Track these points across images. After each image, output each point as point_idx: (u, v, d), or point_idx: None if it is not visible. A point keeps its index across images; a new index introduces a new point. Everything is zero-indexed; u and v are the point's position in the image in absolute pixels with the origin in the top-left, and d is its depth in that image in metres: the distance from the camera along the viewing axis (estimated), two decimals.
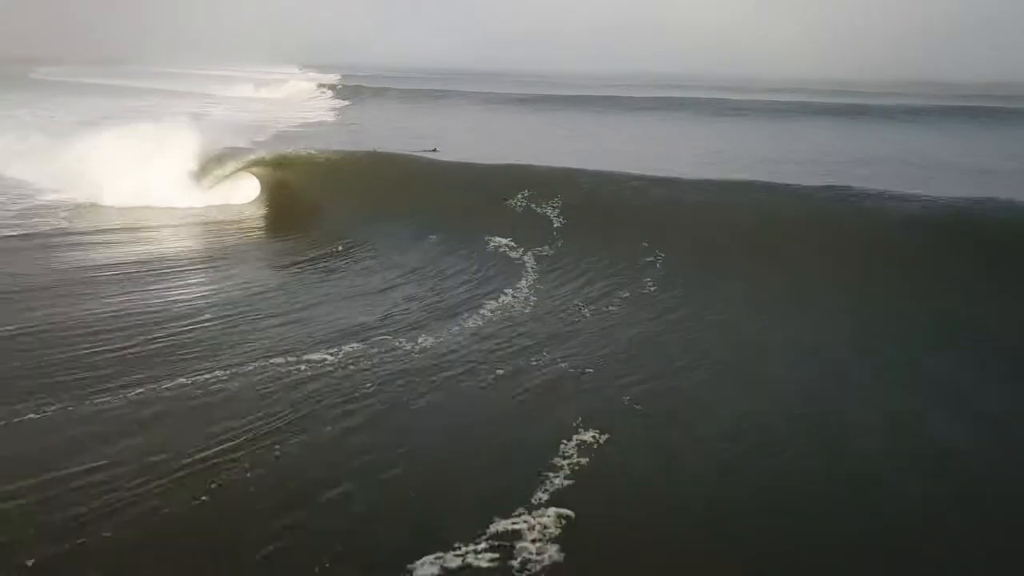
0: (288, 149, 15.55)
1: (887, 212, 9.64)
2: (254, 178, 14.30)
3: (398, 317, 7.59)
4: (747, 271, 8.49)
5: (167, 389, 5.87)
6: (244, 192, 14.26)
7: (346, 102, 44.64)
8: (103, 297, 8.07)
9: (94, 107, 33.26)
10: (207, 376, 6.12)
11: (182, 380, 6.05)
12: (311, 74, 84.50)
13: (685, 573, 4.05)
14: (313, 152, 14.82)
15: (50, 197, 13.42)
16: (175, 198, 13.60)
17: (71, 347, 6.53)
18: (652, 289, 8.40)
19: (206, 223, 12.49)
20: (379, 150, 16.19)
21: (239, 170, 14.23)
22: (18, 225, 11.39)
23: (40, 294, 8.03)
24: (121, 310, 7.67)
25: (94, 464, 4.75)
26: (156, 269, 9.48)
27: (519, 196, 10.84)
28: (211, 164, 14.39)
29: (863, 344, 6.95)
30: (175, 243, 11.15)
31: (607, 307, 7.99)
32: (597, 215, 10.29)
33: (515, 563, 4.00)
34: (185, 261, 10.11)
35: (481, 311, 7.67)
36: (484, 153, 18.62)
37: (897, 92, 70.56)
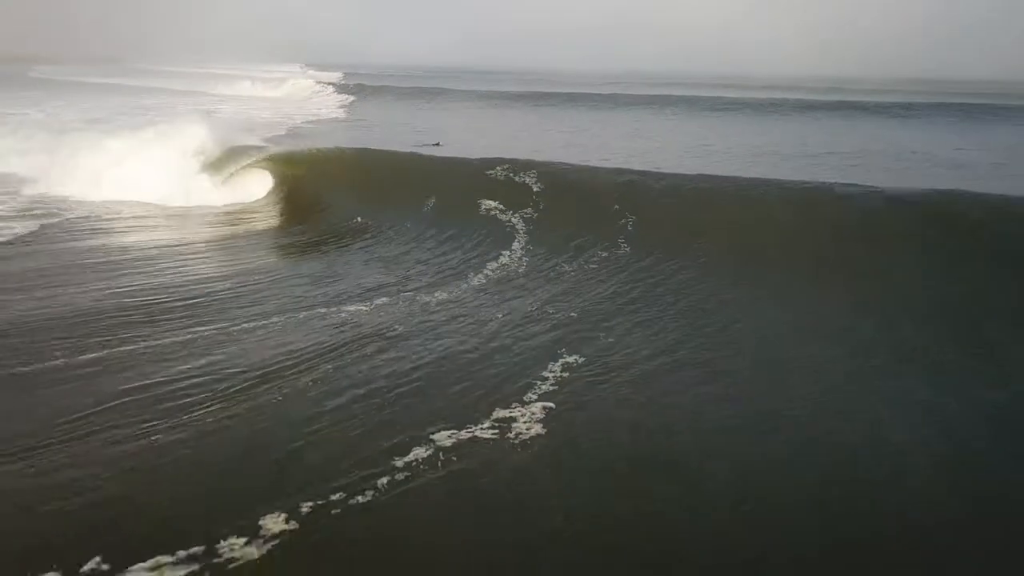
0: (300, 146, 17.02)
1: (840, 198, 11.04)
2: (268, 173, 15.56)
3: (415, 278, 9.15)
4: (703, 240, 9.95)
5: (235, 328, 7.39)
6: (260, 186, 15.54)
7: (351, 100, 46.07)
8: (168, 268, 9.61)
9: (103, 106, 34.67)
10: (265, 321, 7.65)
11: (245, 325, 7.57)
12: (313, 73, 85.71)
13: (633, 444, 5.56)
14: (321, 148, 16.21)
15: (80, 195, 14.30)
16: (200, 194, 14.64)
17: (164, 298, 8.10)
18: (626, 249, 9.95)
19: (230, 214, 13.95)
20: (385, 147, 17.62)
21: (255, 165, 15.52)
22: (72, 213, 12.91)
23: (123, 265, 9.59)
24: (183, 275, 9.20)
25: (193, 372, 6.29)
26: (200, 249, 11.02)
27: (499, 169, 12.31)
28: (228, 160, 15.63)
29: (794, 301, 8.45)
30: (210, 230, 12.62)
31: (587, 264, 9.55)
32: (573, 195, 11.76)
33: (510, 435, 5.51)
34: (221, 242, 11.62)
35: (484, 270, 9.24)
36: (483, 146, 20.08)
37: (892, 89, 72.29)
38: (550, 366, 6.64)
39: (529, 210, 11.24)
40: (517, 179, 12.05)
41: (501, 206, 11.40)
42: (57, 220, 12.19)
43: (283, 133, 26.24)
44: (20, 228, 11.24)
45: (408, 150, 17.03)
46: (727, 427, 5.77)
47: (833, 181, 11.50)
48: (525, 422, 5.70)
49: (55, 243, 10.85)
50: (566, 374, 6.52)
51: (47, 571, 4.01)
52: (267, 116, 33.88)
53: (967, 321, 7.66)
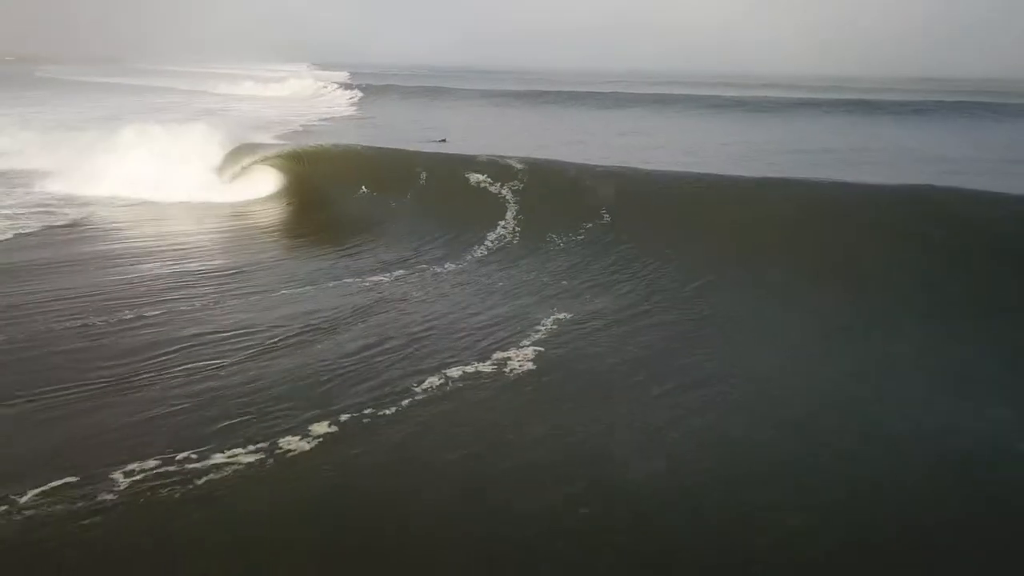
0: (313, 142, 18.21)
1: (813, 193, 12.20)
2: (284, 169, 16.45)
3: (426, 251, 10.51)
4: (680, 227, 11.21)
5: (275, 294, 8.75)
6: (277, 179, 16.48)
7: (357, 99, 47.41)
8: (209, 250, 10.99)
9: (115, 105, 36.02)
10: (300, 288, 9.01)
11: (284, 291, 8.92)
12: (317, 72, 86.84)
13: (607, 377, 6.87)
14: (328, 145, 17.37)
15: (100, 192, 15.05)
16: (221, 188, 15.55)
17: (211, 272, 9.48)
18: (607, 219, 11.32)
19: (250, 205, 15.19)
20: (395, 142, 18.93)
21: (270, 161, 16.40)
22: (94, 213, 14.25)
23: (172, 248, 10.95)
24: (224, 256, 10.57)
25: (244, 325, 7.63)
26: (232, 235, 12.38)
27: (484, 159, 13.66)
28: (242, 156, 16.59)
29: (754, 267, 9.75)
30: (239, 220, 13.87)
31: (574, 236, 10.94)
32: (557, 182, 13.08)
33: (506, 370, 6.85)
34: (251, 229, 12.95)
35: (485, 243, 10.64)
36: (485, 143, 21.41)
37: (890, 88, 73.58)
38: (542, 320, 7.98)
39: (518, 191, 12.50)
40: (511, 172, 13.35)
41: (496, 191, 12.71)
42: (104, 211, 13.52)
43: (298, 130, 27.59)
44: (74, 213, 12.62)
45: (415, 145, 18.32)
46: (681, 364, 7.09)
47: (804, 176, 12.85)
48: (519, 361, 7.03)
49: (106, 229, 12.22)
50: (555, 327, 7.85)
51: (152, 459, 5.34)
52: (277, 114, 35.24)
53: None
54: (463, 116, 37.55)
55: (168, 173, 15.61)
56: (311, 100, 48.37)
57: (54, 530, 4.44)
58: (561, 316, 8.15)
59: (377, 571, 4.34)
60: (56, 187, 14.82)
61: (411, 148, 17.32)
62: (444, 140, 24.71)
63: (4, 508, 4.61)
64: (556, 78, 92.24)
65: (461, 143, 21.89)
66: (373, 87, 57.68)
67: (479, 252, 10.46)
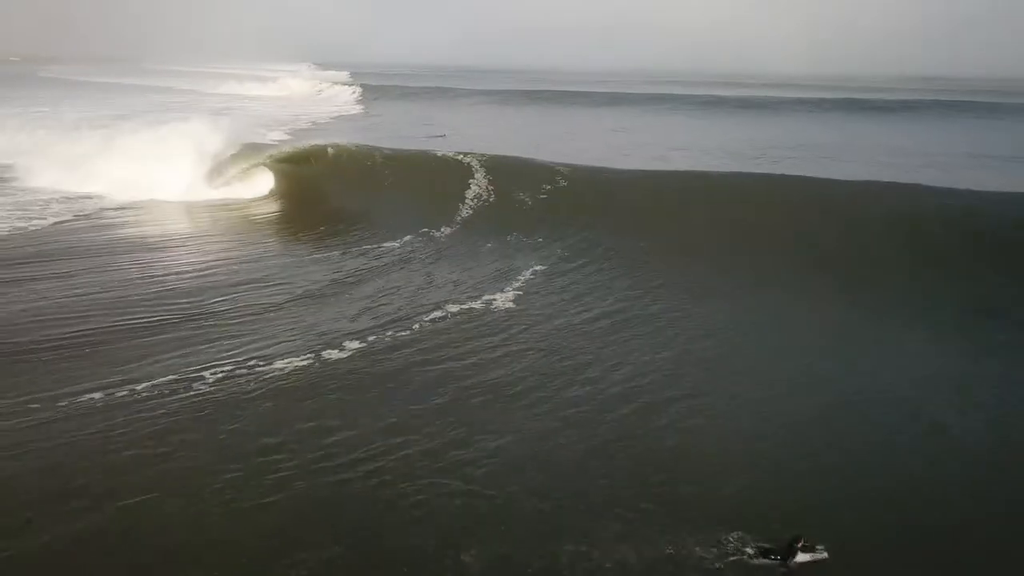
0: (326, 142, 20.06)
1: (757, 185, 14.08)
2: (297, 166, 17.81)
3: (425, 222, 12.57)
4: (637, 213, 13.17)
5: (308, 256, 10.80)
6: (268, 182, 17.79)
7: (361, 97, 49.38)
8: (239, 242, 13.02)
9: (128, 105, 37.76)
10: (328, 253, 11.04)
11: (316, 256, 10.95)
12: (321, 72, 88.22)
13: (569, 311, 8.90)
14: (347, 144, 19.19)
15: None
16: (231, 183, 16.75)
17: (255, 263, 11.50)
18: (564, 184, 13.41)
19: (266, 197, 17.14)
20: (398, 137, 20.85)
21: (286, 158, 17.73)
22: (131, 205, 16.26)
23: (197, 242, 12.97)
24: (232, 242, 12.62)
25: (281, 281, 9.70)
26: (265, 217, 14.39)
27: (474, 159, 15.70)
28: (256, 156, 18.12)
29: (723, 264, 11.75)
30: (262, 206, 15.83)
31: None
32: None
33: (492, 307, 8.91)
34: (278, 211, 14.96)
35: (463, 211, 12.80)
36: (481, 136, 23.42)
37: (883, 87, 75.54)
38: (521, 273, 10.05)
39: (486, 186, 14.46)
40: (493, 170, 15.38)
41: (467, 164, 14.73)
42: (145, 200, 15.44)
43: (307, 127, 29.61)
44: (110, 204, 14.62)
45: (417, 141, 20.37)
46: (621, 296, 9.14)
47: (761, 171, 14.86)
48: (502, 300, 9.10)
49: (154, 215, 14.28)
50: (532, 277, 9.91)
51: (228, 364, 7.36)
52: (288, 113, 37.23)
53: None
54: (462, 114, 39.61)
55: (177, 171, 16.29)
56: (317, 99, 50.22)
57: (166, 409, 6.42)
58: (537, 267, 10.24)
59: (397, 419, 6.39)
60: (112, 181, 15.91)
61: (412, 144, 19.34)
62: (444, 135, 26.72)
63: (126, 392, 6.64)
64: (555, 77, 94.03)
65: (459, 138, 23.94)
66: (376, 86, 59.47)
67: (464, 214, 12.68)
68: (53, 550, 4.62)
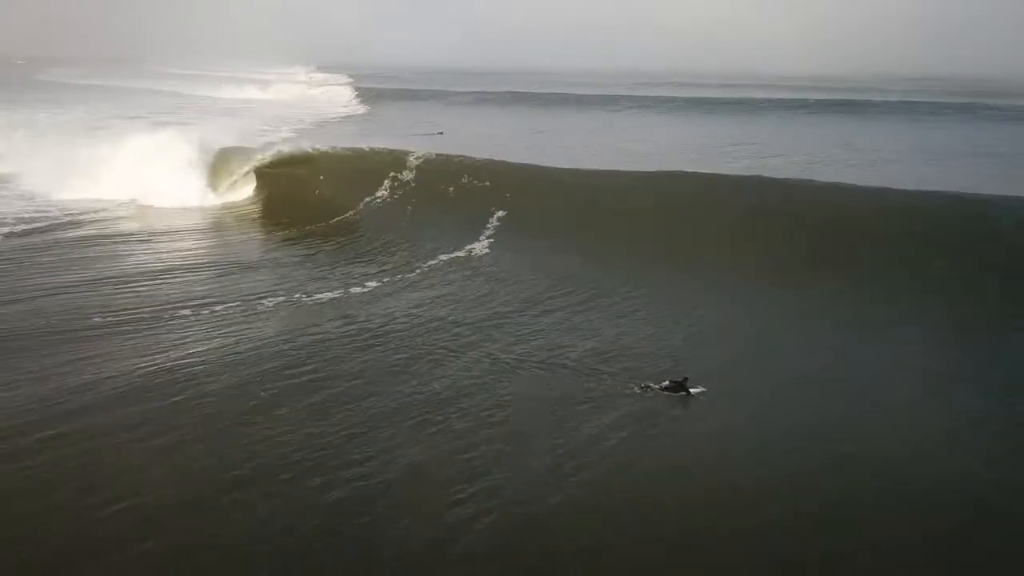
0: (323, 141, 22.96)
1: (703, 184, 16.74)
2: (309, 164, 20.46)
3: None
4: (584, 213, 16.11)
5: (323, 221, 13.83)
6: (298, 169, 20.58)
7: (363, 98, 52.34)
8: (251, 234, 16.02)
9: (139, 105, 40.11)
10: (340, 217, 14.06)
11: (314, 226, 13.98)
12: (322, 75, 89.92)
13: (537, 250, 11.87)
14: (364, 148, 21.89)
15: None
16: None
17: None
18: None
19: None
20: (400, 135, 23.82)
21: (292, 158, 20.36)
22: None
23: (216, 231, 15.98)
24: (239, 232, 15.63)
25: (308, 237, 12.72)
26: (274, 208, 17.32)
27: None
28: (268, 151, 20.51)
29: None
30: (278, 194, 18.68)
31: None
32: None
33: (473, 254, 11.91)
34: (289, 199, 17.87)
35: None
36: (475, 135, 26.38)
37: (871, 87, 78.30)
38: (488, 221, 13.02)
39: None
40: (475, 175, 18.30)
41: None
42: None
43: (311, 127, 32.62)
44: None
45: (416, 138, 23.34)
46: (575, 246, 12.12)
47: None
48: (479, 248, 12.10)
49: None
50: (500, 225, 12.89)
51: (282, 295, 10.37)
52: (293, 113, 40.19)
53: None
54: (458, 115, 42.67)
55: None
56: (320, 100, 52.90)
57: (233, 328, 9.17)
58: (502, 214, 13.26)
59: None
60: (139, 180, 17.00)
61: (413, 141, 22.24)
62: (441, 133, 29.75)
63: (208, 312, 9.54)
64: (551, 79, 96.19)
65: (454, 135, 26.99)
66: (377, 88, 62.35)
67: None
68: None
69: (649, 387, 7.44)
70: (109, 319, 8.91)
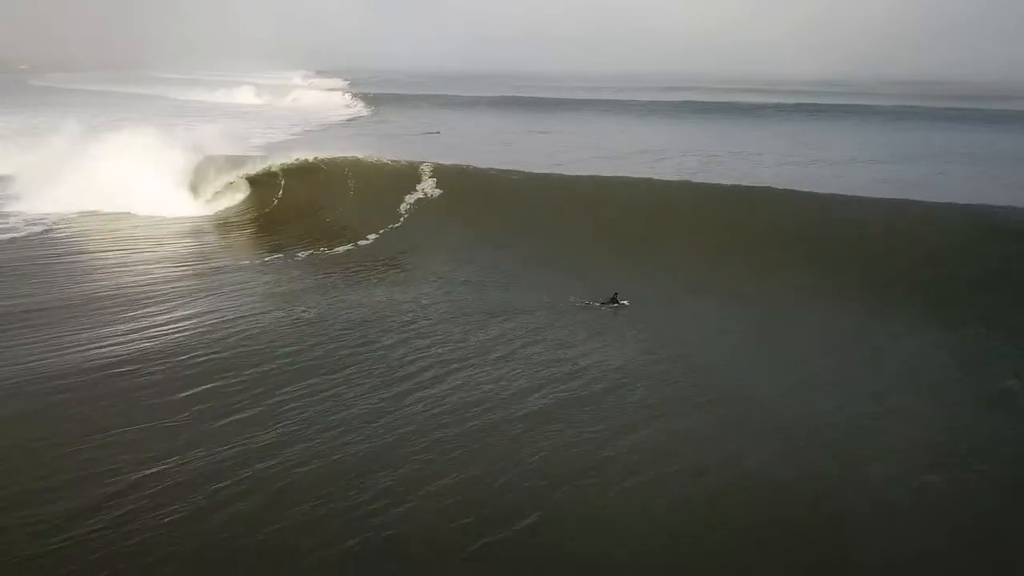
0: (328, 145, 25.26)
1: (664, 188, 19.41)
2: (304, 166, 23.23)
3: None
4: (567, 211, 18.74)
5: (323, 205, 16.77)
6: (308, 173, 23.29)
7: (365, 103, 54.99)
8: (265, 232, 18.82)
9: (152, 107, 41.97)
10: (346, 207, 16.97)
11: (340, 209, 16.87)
12: (324, 80, 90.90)
13: (478, 193, 15.03)
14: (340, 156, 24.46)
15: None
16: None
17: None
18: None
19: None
20: (400, 134, 26.43)
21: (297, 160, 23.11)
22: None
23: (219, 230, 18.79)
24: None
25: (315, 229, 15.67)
26: (281, 211, 20.11)
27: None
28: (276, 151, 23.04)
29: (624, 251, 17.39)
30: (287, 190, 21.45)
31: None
32: None
33: (425, 194, 16.69)
34: (296, 199, 20.64)
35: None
36: (471, 134, 29.06)
37: (865, 91, 79.78)
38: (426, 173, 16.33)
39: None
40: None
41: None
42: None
43: (317, 129, 35.35)
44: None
45: (416, 137, 25.97)
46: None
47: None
48: (428, 189, 15.98)
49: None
50: (441, 177, 16.18)
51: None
52: (299, 116, 42.93)
53: None
54: (455, 118, 45.45)
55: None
56: (324, 104, 54.86)
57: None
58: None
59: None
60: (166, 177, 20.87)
61: (413, 138, 24.93)
62: (439, 132, 32.57)
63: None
64: (548, 84, 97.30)
65: (451, 135, 29.81)
66: (378, 93, 64.56)
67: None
68: None
69: (589, 303, 10.46)
70: None
